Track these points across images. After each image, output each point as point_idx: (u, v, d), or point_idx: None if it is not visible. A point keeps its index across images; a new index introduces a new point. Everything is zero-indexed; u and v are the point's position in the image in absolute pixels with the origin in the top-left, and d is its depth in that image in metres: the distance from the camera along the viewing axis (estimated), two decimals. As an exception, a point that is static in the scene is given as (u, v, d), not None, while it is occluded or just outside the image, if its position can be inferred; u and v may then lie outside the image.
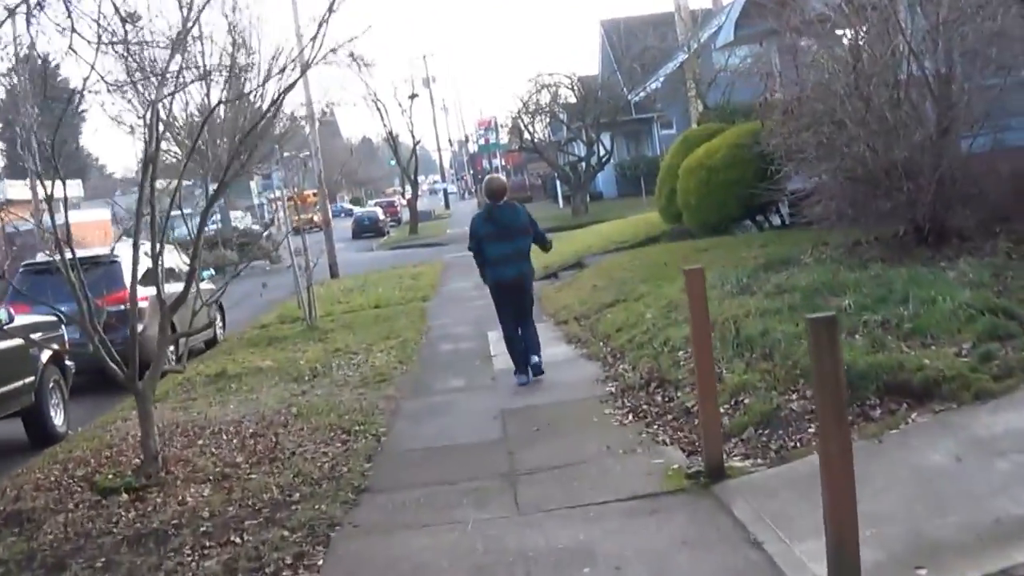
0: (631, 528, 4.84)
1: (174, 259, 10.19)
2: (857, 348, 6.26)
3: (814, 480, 4.84)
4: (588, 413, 7.34)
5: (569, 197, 39.19)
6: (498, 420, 7.61)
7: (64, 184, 6.79)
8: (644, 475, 5.62)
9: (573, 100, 39.44)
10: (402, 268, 24.64)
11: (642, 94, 34.36)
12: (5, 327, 8.52)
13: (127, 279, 9.10)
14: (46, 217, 7.27)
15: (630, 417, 7.02)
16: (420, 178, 55.77)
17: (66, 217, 7.22)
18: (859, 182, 10.04)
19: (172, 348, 12.34)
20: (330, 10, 7.21)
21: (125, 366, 6.99)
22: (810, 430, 5.56)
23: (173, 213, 7.56)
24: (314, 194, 27.38)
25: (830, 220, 10.52)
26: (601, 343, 9.95)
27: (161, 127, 7.55)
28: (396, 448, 7.19)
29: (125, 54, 7.85)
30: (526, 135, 40.27)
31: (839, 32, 11.25)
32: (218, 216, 33.61)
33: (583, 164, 39.05)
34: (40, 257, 11.35)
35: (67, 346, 10.07)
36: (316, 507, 5.72)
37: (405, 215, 51.96)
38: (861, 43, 10.22)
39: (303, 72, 8.08)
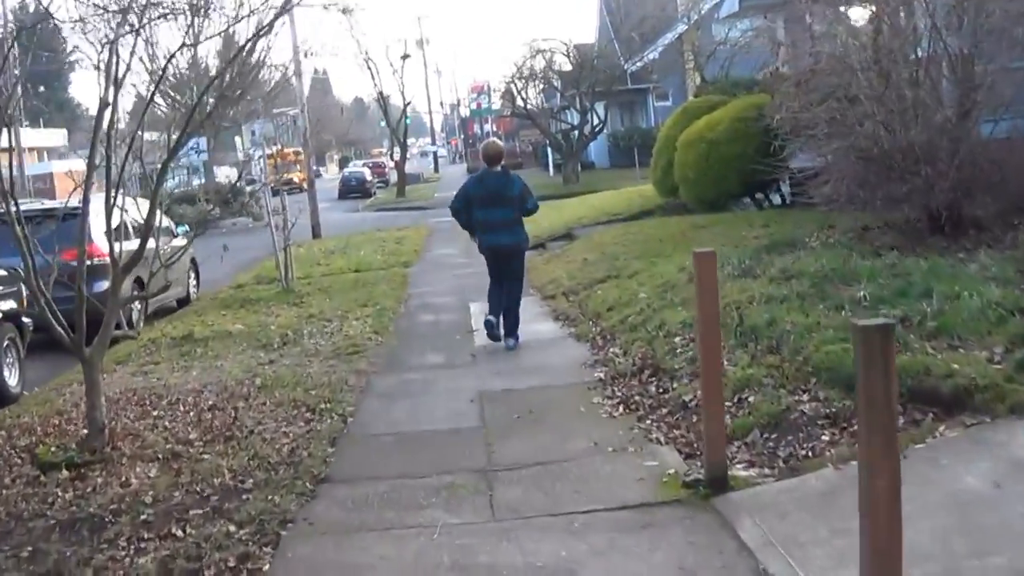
0: (620, 545, 4.24)
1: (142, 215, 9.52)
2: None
3: (831, 500, 4.28)
4: (575, 402, 6.74)
5: (560, 165, 38.47)
6: (476, 404, 7.00)
7: (13, 134, 6.13)
8: (635, 480, 5.03)
9: (568, 67, 38.47)
10: (386, 231, 24.07)
11: (639, 64, 33.61)
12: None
13: (95, 234, 8.53)
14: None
15: (621, 409, 6.42)
16: (411, 140, 54.78)
17: (11, 168, 6.58)
18: (872, 162, 9.42)
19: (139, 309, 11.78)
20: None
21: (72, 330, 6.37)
22: (823, 438, 4.99)
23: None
24: (296, 152, 26.47)
25: (839, 202, 9.90)
26: (591, 322, 9.36)
27: (122, 70, 6.85)
28: (363, 431, 6.59)
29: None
30: (519, 101, 39.42)
31: (857, 6, 10.66)
32: (201, 171, 32.85)
33: (576, 133, 38.25)
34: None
35: (24, 303, 9.41)
36: (269, 498, 5.14)
37: (394, 177, 51.00)
38: (883, 16, 9.58)
39: (279, 14, 7.40)
